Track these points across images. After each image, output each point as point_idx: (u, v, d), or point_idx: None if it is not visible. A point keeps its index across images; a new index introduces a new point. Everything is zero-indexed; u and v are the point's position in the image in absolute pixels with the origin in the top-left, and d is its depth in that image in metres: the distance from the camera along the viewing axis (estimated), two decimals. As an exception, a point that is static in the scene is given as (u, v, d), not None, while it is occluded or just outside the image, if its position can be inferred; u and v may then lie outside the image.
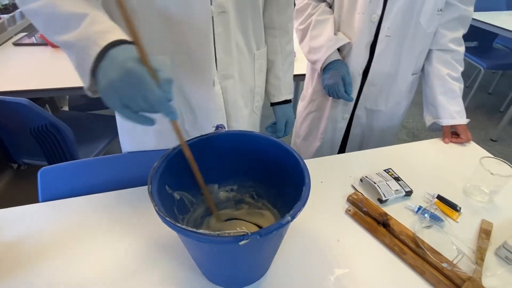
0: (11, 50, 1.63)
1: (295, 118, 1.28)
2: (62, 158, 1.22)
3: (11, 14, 1.93)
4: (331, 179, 0.81)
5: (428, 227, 0.67)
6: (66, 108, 2.09)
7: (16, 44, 1.68)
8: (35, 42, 1.70)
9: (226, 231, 0.40)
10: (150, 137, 0.78)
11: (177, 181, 0.53)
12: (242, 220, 0.64)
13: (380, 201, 0.73)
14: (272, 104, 0.95)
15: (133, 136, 0.80)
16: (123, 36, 0.46)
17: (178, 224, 0.40)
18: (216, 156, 0.58)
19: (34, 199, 0.72)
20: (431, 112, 1.03)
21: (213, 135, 0.57)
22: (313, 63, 1.09)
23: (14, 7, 2.04)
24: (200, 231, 0.40)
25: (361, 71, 1.03)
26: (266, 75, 0.90)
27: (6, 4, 1.99)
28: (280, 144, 0.56)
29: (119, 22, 0.62)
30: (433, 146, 0.97)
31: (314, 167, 0.85)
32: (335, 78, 1.00)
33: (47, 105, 1.89)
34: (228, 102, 0.77)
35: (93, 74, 0.46)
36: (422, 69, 1.06)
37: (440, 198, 0.74)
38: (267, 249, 0.51)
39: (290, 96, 0.94)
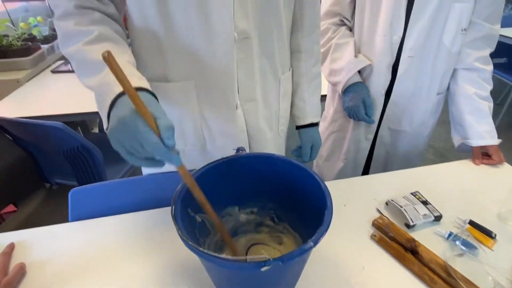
0: (49, 77, 1.76)
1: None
2: (91, 178, 1.28)
3: (50, 44, 2.09)
4: (354, 202, 0.79)
5: (460, 255, 0.63)
6: (96, 130, 2.20)
7: (53, 71, 1.81)
8: (70, 69, 1.83)
9: (248, 257, 0.40)
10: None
11: (196, 204, 0.54)
12: (262, 244, 0.63)
13: (407, 226, 0.71)
14: (298, 127, 0.93)
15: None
16: (138, 83, 0.47)
17: (201, 249, 0.41)
18: (236, 178, 0.59)
19: (64, 218, 0.75)
20: (459, 132, 1.00)
21: (233, 157, 0.58)
22: (334, 85, 1.09)
23: (53, 37, 2.22)
24: (222, 256, 0.40)
25: (383, 92, 1.02)
26: (291, 97, 0.90)
27: (46, 35, 2.16)
28: (300, 166, 0.56)
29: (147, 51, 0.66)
30: (463, 168, 0.93)
31: (337, 189, 0.83)
32: (355, 100, 1.00)
33: (79, 128, 2.00)
34: (250, 125, 0.78)
35: (109, 119, 0.48)
36: (448, 88, 1.03)
37: (472, 223, 0.70)
38: (289, 275, 0.50)
39: (316, 119, 0.93)
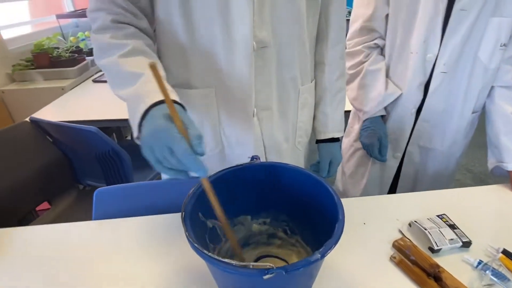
0: (90, 86, 1.90)
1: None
2: (119, 181, 1.34)
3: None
4: (375, 221, 0.75)
5: (489, 286, 0.57)
6: (129, 138, 2.31)
7: (94, 81, 1.95)
8: (110, 79, 1.95)
9: (253, 263, 0.39)
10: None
11: (211, 209, 0.54)
12: (274, 257, 0.62)
13: (432, 250, 0.66)
14: (317, 141, 0.92)
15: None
16: (172, 96, 0.49)
17: (205, 252, 0.41)
18: (248, 187, 0.59)
19: (91, 217, 0.79)
20: (494, 154, 0.93)
21: (246, 165, 0.58)
22: (357, 110, 1.07)
23: (98, 50, 2.39)
24: (226, 260, 0.40)
25: (413, 110, 0.98)
26: (314, 110, 0.89)
27: (91, 48, 2.34)
28: (314, 178, 0.55)
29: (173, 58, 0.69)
30: (498, 192, 0.86)
31: (358, 206, 0.80)
32: (372, 138, 0.99)
33: (114, 134, 2.12)
34: (265, 134, 0.78)
35: (140, 128, 0.51)
36: (484, 107, 0.98)
37: (506, 253, 0.64)
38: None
39: (338, 135, 0.90)
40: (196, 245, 0.42)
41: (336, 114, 0.89)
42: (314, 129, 0.92)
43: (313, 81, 0.85)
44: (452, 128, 0.98)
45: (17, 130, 1.24)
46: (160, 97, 0.49)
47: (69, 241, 0.71)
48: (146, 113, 0.50)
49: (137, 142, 0.54)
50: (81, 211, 1.33)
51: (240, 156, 0.78)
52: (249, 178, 0.59)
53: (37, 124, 1.28)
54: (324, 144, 0.91)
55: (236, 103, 0.73)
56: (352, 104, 1.08)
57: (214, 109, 0.74)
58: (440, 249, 0.65)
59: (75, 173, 1.42)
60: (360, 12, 0.97)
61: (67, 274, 0.63)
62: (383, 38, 0.99)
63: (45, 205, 1.32)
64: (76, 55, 2.06)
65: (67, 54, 2.02)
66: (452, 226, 0.70)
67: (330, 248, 0.41)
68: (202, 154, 0.46)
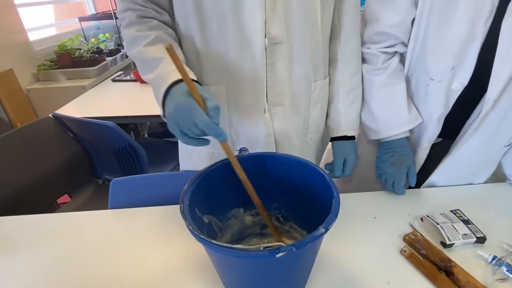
0: (110, 85, 1.96)
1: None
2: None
3: (114, 57, 2.34)
4: (386, 215, 0.74)
5: (503, 280, 0.56)
6: (146, 135, 2.37)
7: (114, 80, 2.01)
8: (129, 79, 2.02)
9: (263, 245, 0.40)
10: (203, 158, 0.84)
11: (206, 204, 0.55)
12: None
13: (444, 245, 0.65)
14: (331, 140, 0.89)
15: (191, 158, 0.87)
16: (190, 75, 0.54)
17: (214, 241, 0.41)
18: (239, 179, 0.58)
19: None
20: None
21: (236, 158, 0.58)
22: (366, 129, 0.89)
23: (117, 51, 2.47)
24: (237, 246, 0.40)
25: (427, 145, 0.83)
26: (327, 108, 0.88)
27: (111, 49, 2.43)
28: (302, 162, 0.57)
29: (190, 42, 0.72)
30: (516, 190, 0.83)
31: (369, 201, 0.80)
32: (399, 166, 0.81)
33: (132, 132, 2.18)
34: (277, 130, 0.78)
35: (163, 107, 0.58)
36: None
37: (522, 249, 0.62)
38: (301, 265, 0.50)
39: (352, 133, 0.86)
40: (202, 236, 0.42)
41: (350, 112, 0.85)
42: (327, 126, 0.90)
43: (327, 78, 0.84)
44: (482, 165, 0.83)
45: (40, 125, 1.30)
46: (179, 76, 0.54)
47: (85, 228, 0.74)
48: (167, 92, 0.56)
49: (164, 119, 0.59)
50: (99, 204, 1.38)
51: (251, 152, 0.79)
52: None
53: (59, 119, 1.34)
54: (336, 143, 0.88)
55: (247, 100, 0.74)
56: (361, 116, 0.88)
57: (224, 106, 0.75)
58: (453, 243, 0.64)
59: (94, 168, 1.47)
60: (380, 13, 0.77)
61: (80, 258, 0.66)
62: (406, 44, 0.79)
63: (65, 198, 1.37)
64: (97, 55, 2.14)
65: (88, 55, 2.10)
66: (466, 222, 0.69)
67: (332, 222, 0.43)
68: (218, 124, 0.52)
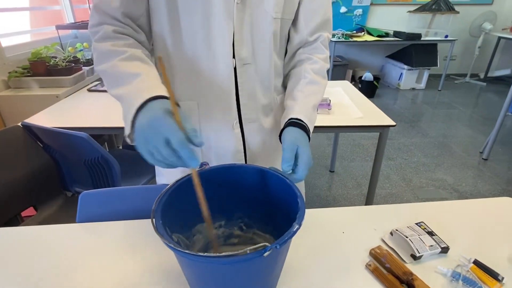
0: (85, 95, 1.92)
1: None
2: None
3: (91, 67, 2.30)
4: (354, 231, 0.77)
5: (460, 293, 0.59)
6: (121, 147, 2.32)
7: (89, 90, 1.97)
8: (105, 89, 1.98)
9: (249, 248, 0.41)
10: (177, 173, 0.84)
11: (174, 223, 0.55)
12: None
13: (414, 257, 0.67)
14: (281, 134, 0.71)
15: (166, 171, 0.87)
16: (164, 93, 0.55)
17: (191, 252, 0.41)
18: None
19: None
20: None
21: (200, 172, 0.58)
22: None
23: (95, 61, 2.43)
24: (224, 254, 0.41)
25: None
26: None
27: (88, 59, 2.39)
28: (262, 170, 0.59)
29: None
30: (476, 206, 0.88)
31: (337, 216, 0.82)
32: None
33: (106, 143, 2.12)
34: (251, 145, 0.81)
35: (133, 123, 0.54)
36: None
37: (477, 263, 0.66)
38: (278, 263, 0.52)
39: (304, 118, 0.71)
40: (179, 249, 0.42)
41: (306, 101, 0.75)
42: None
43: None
44: None
45: (7, 134, 1.25)
46: (159, 92, 0.54)
47: (50, 243, 0.72)
48: (142, 107, 0.53)
49: (127, 140, 0.57)
50: (67, 217, 1.33)
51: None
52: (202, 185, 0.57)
53: (29, 129, 1.29)
54: (288, 129, 0.69)
55: (218, 116, 0.76)
56: None
57: (196, 122, 0.77)
58: (422, 255, 0.67)
59: (64, 180, 1.42)
60: None
61: (45, 273, 0.63)
62: None
63: (30, 211, 1.31)
64: (73, 64, 2.10)
65: (64, 63, 2.06)
66: (431, 233, 0.72)
67: (303, 218, 0.46)
68: (199, 145, 0.50)
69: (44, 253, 0.68)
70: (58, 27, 2.48)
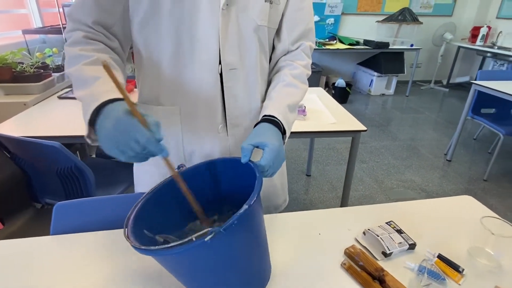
0: (55, 102, 1.85)
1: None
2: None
3: (61, 73, 2.22)
4: (329, 232, 0.80)
5: (427, 285, 0.64)
6: (94, 155, 2.25)
7: (60, 97, 1.91)
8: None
9: (195, 235, 0.44)
10: (155, 179, 0.84)
11: (156, 225, 0.56)
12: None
13: (385, 254, 0.72)
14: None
15: (143, 179, 0.87)
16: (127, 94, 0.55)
17: (147, 247, 0.43)
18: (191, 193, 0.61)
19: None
20: None
21: (180, 173, 0.61)
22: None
23: (65, 67, 2.35)
24: (172, 244, 0.43)
25: None
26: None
27: (58, 65, 2.31)
28: (236, 160, 0.62)
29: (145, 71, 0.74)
30: (440, 205, 0.95)
31: (313, 218, 0.86)
32: None
33: (78, 152, 2.05)
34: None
35: (91, 125, 0.57)
36: None
37: (441, 257, 0.71)
38: (243, 249, 0.52)
39: (277, 115, 0.71)
40: (141, 247, 0.44)
41: (282, 100, 0.75)
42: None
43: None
44: None
45: (-29, 144, 1.19)
46: (115, 95, 0.56)
47: (22, 257, 0.69)
48: (100, 109, 0.56)
49: (88, 140, 0.59)
50: (37, 231, 1.27)
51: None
52: (188, 185, 0.60)
53: (-5, 138, 1.24)
54: (258, 125, 0.71)
55: (202, 121, 0.77)
56: None
57: (178, 126, 0.77)
58: (392, 252, 0.71)
59: (34, 191, 1.36)
60: None
61: (19, 288, 0.61)
62: None
63: (-3, 224, 1.25)
64: (42, 70, 2.02)
65: (31, 69, 1.98)
66: (399, 231, 0.77)
67: (254, 197, 0.47)
68: (160, 139, 0.53)
69: (16, 269, 0.66)
70: (25, 32, 2.39)
